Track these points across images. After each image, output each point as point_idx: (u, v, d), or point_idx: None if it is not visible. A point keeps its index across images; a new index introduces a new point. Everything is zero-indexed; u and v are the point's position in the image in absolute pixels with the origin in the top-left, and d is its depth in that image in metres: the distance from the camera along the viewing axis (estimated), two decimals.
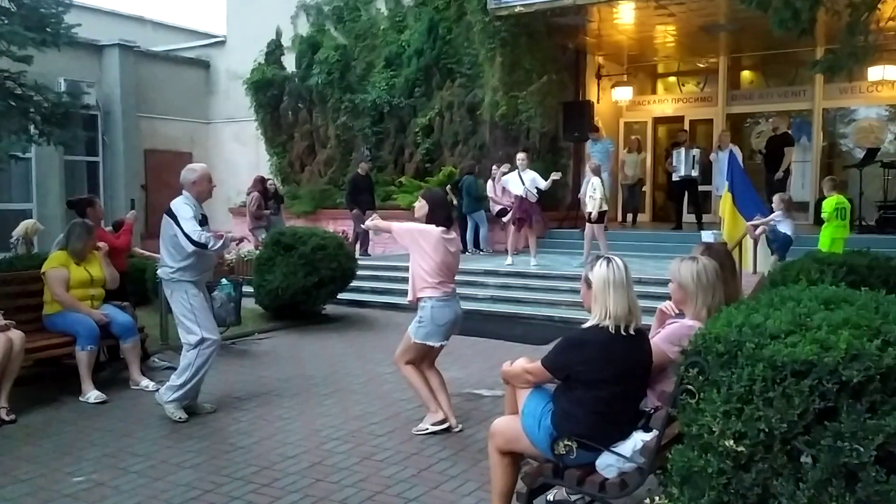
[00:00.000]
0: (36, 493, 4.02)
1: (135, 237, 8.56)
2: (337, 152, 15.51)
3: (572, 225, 12.80)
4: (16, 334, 5.36)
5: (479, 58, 13.40)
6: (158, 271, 5.43)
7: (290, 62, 16.38)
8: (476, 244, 12.71)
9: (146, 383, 6.02)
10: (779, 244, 8.90)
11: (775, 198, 9.16)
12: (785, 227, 8.87)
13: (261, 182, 13.19)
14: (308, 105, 15.98)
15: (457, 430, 4.89)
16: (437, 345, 4.89)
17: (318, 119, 15.82)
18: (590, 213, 10.59)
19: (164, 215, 5.23)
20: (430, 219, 4.87)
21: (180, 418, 5.17)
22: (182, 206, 5.17)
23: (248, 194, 13.22)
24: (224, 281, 7.12)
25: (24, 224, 12.52)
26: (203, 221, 5.23)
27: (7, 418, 5.16)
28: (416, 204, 5.05)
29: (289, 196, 14.97)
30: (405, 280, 10.37)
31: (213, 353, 5.27)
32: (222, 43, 18.35)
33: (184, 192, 5.25)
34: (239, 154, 17.48)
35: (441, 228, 4.83)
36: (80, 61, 15.01)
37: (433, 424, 4.87)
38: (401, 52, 15.00)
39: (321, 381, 6.29)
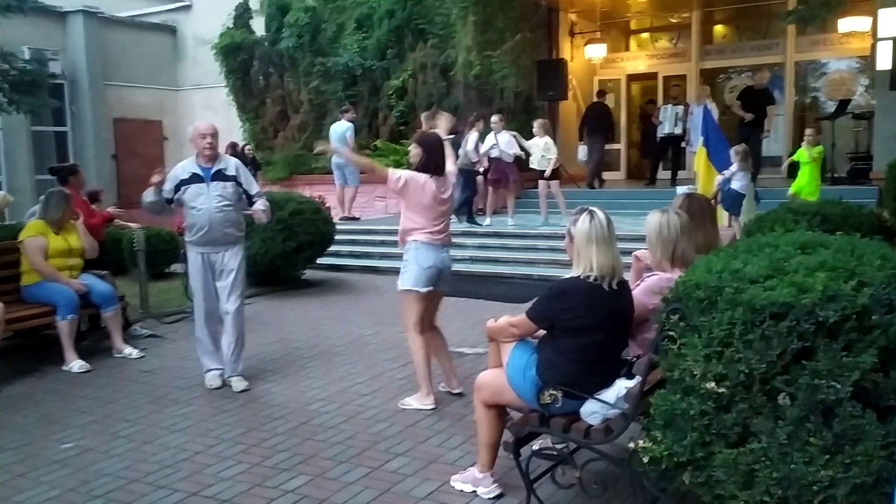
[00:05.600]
0: (25, 460, 4.03)
1: (107, 207, 8.48)
2: (310, 117, 15.32)
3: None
4: None
5: (451, 17, 13.23)
6: None
7: (259, 26, 16.05)
8: None
9: (129, 351, 6.02)
10: (729, 201, 8.61)
11: (731, 151, 8.77)
12: (738, 182, 8.56)
13: (231, 147, 13.05)
14: (279, 70, 15.72)
15: (457, 391, 4.83)
16: (422, 290, 4.64)
17: (289, 84, 15.58)
18: (545, 172, 10.69)
19: None
20: (425, 165, 4.66)
21: (210, 386, 5.17)
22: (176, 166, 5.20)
23: None
24: None
25: None
26: (196, 178, 5.08)
27: None
28: (412, 150, 4.80)
29: (263, 162, 14.83)
30: (383, 244, 10.52)
31: (203, 322, 5.20)
32: (188, 7, 17.94)
33: None
34: (210, 121, 17.19)
35: (435, 178, 4.66)
36: (43, 29, 14.63)
37: (420, 404, 4.68)
38: (371, 13, 14.77)
39: (304, 345, 6.32)
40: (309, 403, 4.83)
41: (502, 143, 10.80)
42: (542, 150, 10.69)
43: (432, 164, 4.69)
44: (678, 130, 12.62)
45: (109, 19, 16.54)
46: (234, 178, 5.19)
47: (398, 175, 4.63)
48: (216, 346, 5.26)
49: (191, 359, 5.64)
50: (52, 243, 5.94)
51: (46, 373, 5.64)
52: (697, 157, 9.77)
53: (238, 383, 5.16)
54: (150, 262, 8.15)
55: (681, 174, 12.94)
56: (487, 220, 11.03)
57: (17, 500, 3.58)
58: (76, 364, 5.65)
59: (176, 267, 9.11)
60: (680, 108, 12.72)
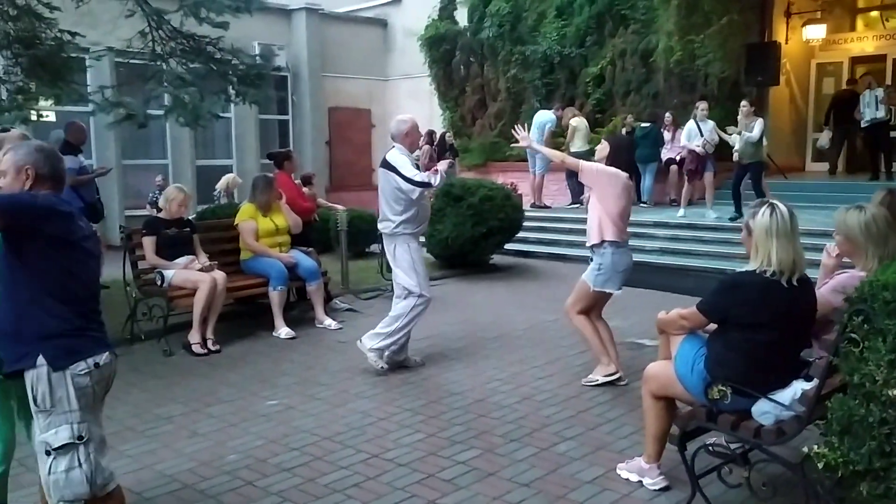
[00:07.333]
0: (237, 412, 4.59)
1: (319, 189, 9.21)
2: (507, 105, 15.62)
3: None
4: (219, 275, 6.06)
5: (655, 1, 12.86)
6: (379, 226, 5.26)
7: (462, 17, 16.60)
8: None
9: (329, 322, 6.60)
10: None
11: None
12: None
13: (428, 136, 13.70)
14: (479, 59, 16.16)
15: (623, 384, 4.86)
16: (613, 292, 4.88)
17: (488, 72, 15.97)
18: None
19: (381, 168, 5.13)
20: (610, 161, 4.85)
21: (382, 367, 5.20)
22: (398, 156, 5.08)
23: (420, 148, 13.76)
24: None
25: (226, 178, 13.85)
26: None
27: (213, 348, 5.89)
28: (598, 147, 5.02)
29: (460, 149, 15.33)
30: (571, 231, 10.53)
31: (424, 310, 5.24)
32: (398, 1, 18.87)
33: (396, 144, 5.16)
34: (414, 109, 17.95)
35: (625, 174, 4.84)
36: (272, 25, 16.08)
37: (604, 376, 4.86)
38: (572, 0, 14.72)
39: (486, 327, 6.55)
40: (486, 382, 5.03)
41: (704, 131, 10.37)
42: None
43: (616, 162, 4.86)
44: (880, 114, 11.40)
45: (328, 15, 17.81)
46: None
47: (590, 165, 4.81)
48: None
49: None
50: (261, 224, 6.60)
51: (259, 337, 6.34)
52: None
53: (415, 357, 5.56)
54: (352, 242, 8.78)
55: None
56: (681, 212, 10.65)
57: (230, 446, 4.09)
58: (284, 331, 6.30)
59: (374, 247, 9.73)
60: (879, 91, 11.49)
